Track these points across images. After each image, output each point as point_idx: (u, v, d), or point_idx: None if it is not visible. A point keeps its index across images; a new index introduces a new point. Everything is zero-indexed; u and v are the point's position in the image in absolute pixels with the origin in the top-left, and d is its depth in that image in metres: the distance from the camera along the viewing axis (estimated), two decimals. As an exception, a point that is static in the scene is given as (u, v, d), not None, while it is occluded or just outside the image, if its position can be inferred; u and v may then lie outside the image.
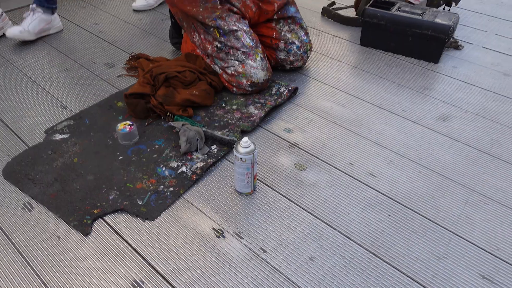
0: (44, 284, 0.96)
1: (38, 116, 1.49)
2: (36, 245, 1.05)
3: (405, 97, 1.61)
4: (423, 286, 0.96)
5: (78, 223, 1.09)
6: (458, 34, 2.08)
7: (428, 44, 1.78)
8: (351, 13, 2.23)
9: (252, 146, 1.09)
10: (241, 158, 1.10)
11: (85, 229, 1.07)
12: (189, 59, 1.56)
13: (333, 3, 2.31)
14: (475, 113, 1.53)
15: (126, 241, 1.06)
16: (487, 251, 1.04)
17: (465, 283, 0.97)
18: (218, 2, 1.49)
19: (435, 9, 1.84)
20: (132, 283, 0.96)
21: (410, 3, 1.93)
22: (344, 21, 2.14)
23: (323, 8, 2.24)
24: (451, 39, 1.94)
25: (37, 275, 0.98)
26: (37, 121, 1.46)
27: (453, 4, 2.09)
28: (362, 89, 1.65)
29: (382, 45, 1.90)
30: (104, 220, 1.11)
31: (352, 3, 2.31)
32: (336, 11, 2.21)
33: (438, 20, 1.74)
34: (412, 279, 0.98)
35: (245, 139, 1.09)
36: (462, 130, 1.45)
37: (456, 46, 1.94)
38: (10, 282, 0.97)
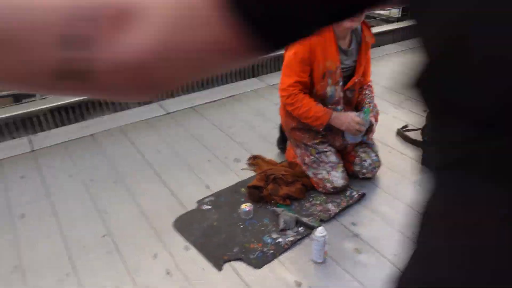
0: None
1: (193, 191, 2.33)
2: (192, 273, 1.80)
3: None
4: None
5: (215, 263, 1.83)
6: None
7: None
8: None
9: (324, 233, 1.76)
10: (317, 239, 1.77)
11: (219, 266, 1.81)
12: (291, 166, 2.32)
13: (406, 126, 2.96)
14: None
15: (241, 277, 1.76)
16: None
17: None
18: (319, 136, 2.25)
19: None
20: (244, 303, 1.65)
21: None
22: (412, 143, 2.77)
23: (397, 130, 2.90)
24: None
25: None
26: (192, 194, 2.30)
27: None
28: (413, 200, 2.23)
29: (438, 166, 2.47)
30: (229, 263, 1.84)
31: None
32: (407, 133, 2.85)
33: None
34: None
35: (320, 229, 1.76)
36: None
37: None
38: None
